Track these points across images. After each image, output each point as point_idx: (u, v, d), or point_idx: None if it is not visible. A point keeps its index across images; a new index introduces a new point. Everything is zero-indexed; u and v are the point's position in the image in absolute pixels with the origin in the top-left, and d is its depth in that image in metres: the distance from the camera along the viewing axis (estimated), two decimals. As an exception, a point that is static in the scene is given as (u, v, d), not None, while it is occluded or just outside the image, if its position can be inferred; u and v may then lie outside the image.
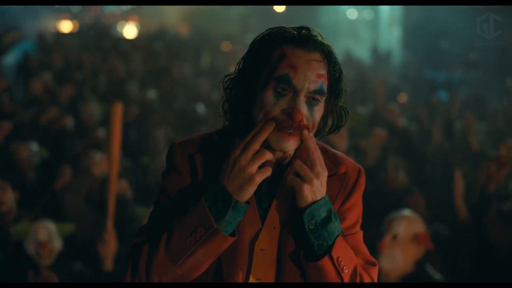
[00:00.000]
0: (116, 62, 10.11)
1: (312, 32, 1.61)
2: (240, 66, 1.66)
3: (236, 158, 1.54)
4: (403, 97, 8.47)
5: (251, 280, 1.60)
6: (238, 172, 1.52)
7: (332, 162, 1.69)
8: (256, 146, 1.54)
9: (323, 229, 1.55)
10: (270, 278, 1.60)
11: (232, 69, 1.71)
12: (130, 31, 17.99)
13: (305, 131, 1.57)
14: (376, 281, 1.64)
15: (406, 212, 3.33)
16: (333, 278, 1.55)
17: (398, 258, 3.15)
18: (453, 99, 7.67)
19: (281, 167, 1.64)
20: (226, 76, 1.68)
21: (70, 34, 17.02)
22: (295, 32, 1.60)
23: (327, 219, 1.55)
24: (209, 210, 1.52)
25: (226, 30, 17.87)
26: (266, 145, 1.58)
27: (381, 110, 7.40)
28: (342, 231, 1.59)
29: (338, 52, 1.65)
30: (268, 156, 1.55)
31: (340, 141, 4.07)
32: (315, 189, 1.55)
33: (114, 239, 3.67)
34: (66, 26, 19.05)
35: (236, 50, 13.69)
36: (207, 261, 1.56)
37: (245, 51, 1.67)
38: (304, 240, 1.57)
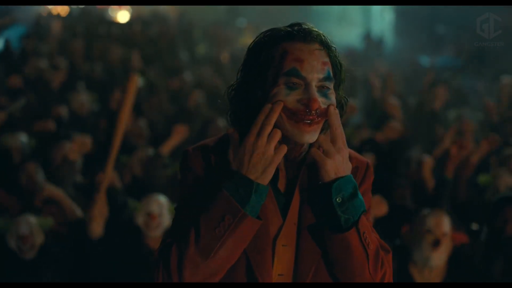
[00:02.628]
0: (112, 48, 10.02)
1: (304, 25, 1.63)
2: (241, 74, 1.68)
3: (253, 145, 1.56)
4: None
5: (274, 275, 1.63)
6: (258, 157, 1.55)
7: None
8: (269, 128, 1.56)
9: (349, 203, 1.57)
10: (290, 272, 1.64)
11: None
12: (123, 15, 17.86)
13: (332, 106, 1.59)
14: (391, 268, 1.66)
15: (440, 210, 3.40)
16: (359, 253, 1.57)
17: (445, 256, 3.27)
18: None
19: (296, 165, 1.67)
20: (229, 87, 1.70)
21: (62, 18, 16.82)
22: (289, 29, 1.62)
23: (354, 195, 1.58)
24: (233, 198, 1.55)
25: (213, 14, 17.75)
26: (285, 141, 1.60)
27: (379, 102, 7.33)
28: (366, 210, 1.61)
29: (330, 37, 1.67)
30: (280, 134, 1.57)
31: None
32: (338, 164, 1.57)
33: (105, 202, 3.69)
34: (58, 10, 18.86)
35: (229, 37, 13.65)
36: (238, 250, 1.58)
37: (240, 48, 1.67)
38: (330, 215, 1.58)
